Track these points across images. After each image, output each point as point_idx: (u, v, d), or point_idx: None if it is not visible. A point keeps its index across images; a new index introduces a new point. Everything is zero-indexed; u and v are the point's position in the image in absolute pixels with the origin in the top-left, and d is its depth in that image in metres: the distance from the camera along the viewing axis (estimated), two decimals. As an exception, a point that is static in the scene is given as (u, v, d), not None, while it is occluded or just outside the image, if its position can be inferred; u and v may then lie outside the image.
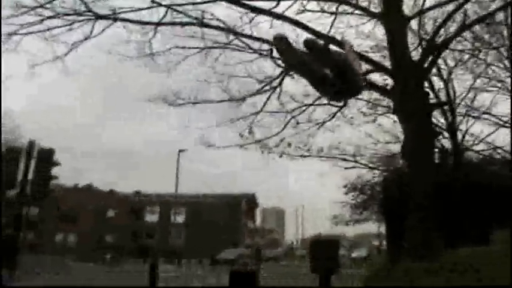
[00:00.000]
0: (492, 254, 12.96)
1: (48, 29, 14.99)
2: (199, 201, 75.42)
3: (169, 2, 15.83)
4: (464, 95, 28.25)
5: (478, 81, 26.85)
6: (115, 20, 15.65)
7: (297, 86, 19.32)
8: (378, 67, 17.27)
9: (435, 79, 28.03)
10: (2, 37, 14.91)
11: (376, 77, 18.56)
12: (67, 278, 26.31)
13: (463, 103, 28.57)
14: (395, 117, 18.29)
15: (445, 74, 27.58)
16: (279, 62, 18.41)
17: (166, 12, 15.87)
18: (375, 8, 17.35)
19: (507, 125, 26.44)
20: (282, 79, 19.07)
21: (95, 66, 41.95)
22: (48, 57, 15.46)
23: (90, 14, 15.22)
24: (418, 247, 14.97)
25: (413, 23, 19.02)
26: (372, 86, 18.11)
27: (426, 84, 27.56)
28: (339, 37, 18.61)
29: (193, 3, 16.02)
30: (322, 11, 17.82)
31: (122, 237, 63.40)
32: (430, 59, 17.42)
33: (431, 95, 27.47)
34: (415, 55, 17.87)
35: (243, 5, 16.33)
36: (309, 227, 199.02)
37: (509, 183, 23.41)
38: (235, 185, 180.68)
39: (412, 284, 10.93)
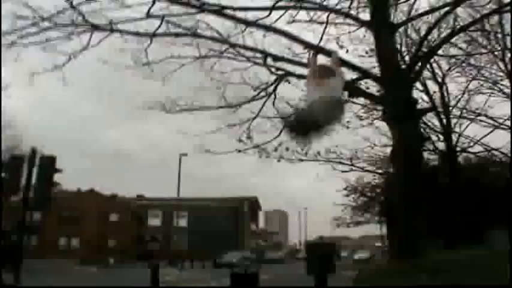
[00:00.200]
0: (476, 256, 13.30)
1: (47, 40, 15.43)
2: (202, 205, 75.31)
3: (166, 12, 16.16)
4: (459, 97, 28.52)
5: (475, 83, 27.17)
6: (111, 31, 16.09)
7: (292, 91, 19.64)
8: (366, 74, 17.59)
9: (429, 83, 28.49)
10: (3, 48, 15.31)
11: (367, 84, 18.81)
12: (71, 280, 26.71)
13: (459, 105, 28.87)
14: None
15: (439, 77, 27.95)
16: (273, 69, 18.92)
17: (161, 23, 16.25)
18: (364, 16, 17.67)
19: (503, 126, 26.72)
20: (277, 85, 19.40)
21: (94, 75, 42.26)
22: (48, 67, 15.85)
23: (87, 25, 15.66)
24: (402, 248, 15.43)
25: (402, 31, 19.50)
26: (361, 93, 18.46)
27: (421, 88, 28.12)
28: (330, 44, 19.22)
29: (188, 14, 16.37)
30: (312, 20, 18.18)
31: (124, 241, 63.51)
32: (418, 65, 17.85)
33: (426, 99, 28.06)
34: (404, 62, 18.25)
35: (233, 18, 16.63)
36: (312, 229, 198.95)
37: (505, 184, 23.76)
38: (237, 188, 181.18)
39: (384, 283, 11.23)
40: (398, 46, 19.99)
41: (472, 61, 24.59)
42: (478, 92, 27.55)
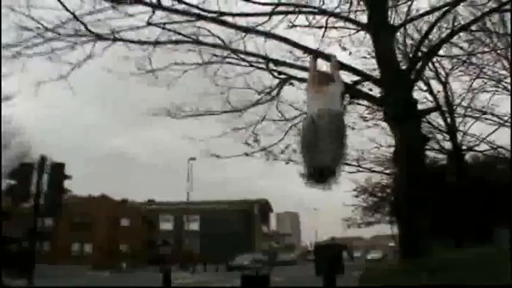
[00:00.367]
0: (482, 255, 13.37)
1: (52, 51, 15.73)
2: (213, 208, 75.65)
3: (167, 20, 16.44)
4: (463, 96, 28.56)
5: (479, 81, 27.19)
6: (114, 40, 16.37)
7: (296, 94, 19.82)
8: (366, 77, 17.78)
9: (433, 82, 28.58)
10: (9, 58, 15.68)
11: (368, 86, 18.95)
12: (83, 285, 27.06)
13: (463, 103, 28.92)
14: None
15: (443, 77, 28.03)
16: (275, 73, 19.13)
17: (162, 31, 16.52)
18: (363, 18, 17.80)
19: (508, 124, 26.73)
20: (280, 89, 19.63)
21: (99, 83, 42.70)
22: (53, 76, 16.13)
23: (90, 35, 15.92)
24: (406, 248, 15.60)
25: (402, 31, 19.66)
26: (363, 96, 18.63)
27: (425, 87, 28.22)
28: (332, 47, 19.43)
29: (188, 21, 16.60)
30: (311, 25, 18.37)
31: (136, 245, 63.84)
32: (418, 66, 18.02)
33: (430, 98, 28.16)
34: (406, 62, 18.41)
35: (231, 26, 16.84)
36: (324, 230, 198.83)
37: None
38: (246, 192, 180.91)
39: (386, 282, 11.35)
40: (399, 47, 20.10)
41: (474, 60, 24.63)
42: (483, 90, 27.55)
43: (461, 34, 19.81)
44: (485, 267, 10.77)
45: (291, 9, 17.61)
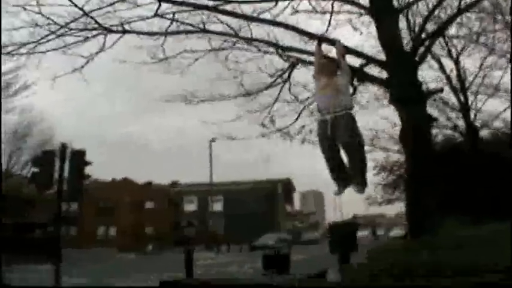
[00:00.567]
0: (497, 231, 13.42)
1: (64, 46, 16.31)
2: (236, 189, 76.13)
3: (174, 9, 16.76)
4: (475, 74, 28.45)
5: (490, 59, 27.06)
6: (124, 32, 16.80)
7: (308, 76, 20.05)
8: (371, 60, 17.99)
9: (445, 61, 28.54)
10: (25, 55, 16.34)
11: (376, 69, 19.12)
12: (108, 268, 27.78)
13: (476, 81, 28.84)
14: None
15: (454, 54, 27.97)
16: (285, 57, 19.46)
17: (171, 23, 16.90)
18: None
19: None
20: (291, 72, 19.96)
21: (113, 73, 43.47)
22: (68, 69, 16.77)
23: (100, 28, 16.38)
24: (412, 227, 15.94)
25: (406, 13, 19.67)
26: (368, 78, 18.85)
27: (437, 66, 28.23)
28: (342, 28, 19.67)
29: (195, 10, 16.93)
30: (315, 11, 18.62)
31: (161, 228, 64.52)
32: (423, 47, 18.19)
33: (443, 76, 28.18)
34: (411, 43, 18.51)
35: (235, 15, 17.10)
36: (348, 208, 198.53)
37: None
38: (270, 171, 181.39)
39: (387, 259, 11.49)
40: (404, 28, 20.12)
41: (483, 39, 24.47)
42: (496, 68, 27.43)
43: (470, 12, 19.67)
44: (497, 244, 10.80)
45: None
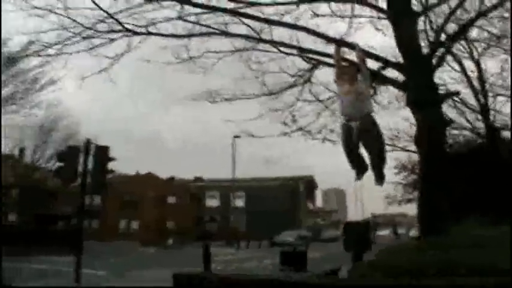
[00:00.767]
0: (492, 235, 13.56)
1: (91, 48, 16.85)
2: (258, 185, 76.08)
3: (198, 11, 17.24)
4: (496, 75, 28.25)
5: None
6: (148, 34, 17.26)
7: (329, 76, 20.26)
8: (388, 63, 18.14)
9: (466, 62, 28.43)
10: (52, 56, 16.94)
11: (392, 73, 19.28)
12: (129, 261, 28.33)
13: (497, 83, 28.64)
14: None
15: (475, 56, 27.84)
16: (306, 59, 19.77)
17: (194, 25, 17.37)
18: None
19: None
20: (312, 73, 20.27)
21: (139, 72, 44.14)
22: (95, 70, 17.28)
23: (125, 30, 16.86)
24: (423, 229, 16.14)
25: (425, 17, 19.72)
26: (387, 81, 19.00)
27: (457, 67, 28.20)
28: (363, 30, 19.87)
29: (215, 11, 17.35)
30: (334, 14, 18.77)
31: (184, 223, 64.82)
32: (443, 48, 18.31)
33: (464, 79, 28.09)
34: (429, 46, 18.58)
35: (254, 17, 17.51)
36: (370, 207, 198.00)
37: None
38: (292, 168, 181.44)
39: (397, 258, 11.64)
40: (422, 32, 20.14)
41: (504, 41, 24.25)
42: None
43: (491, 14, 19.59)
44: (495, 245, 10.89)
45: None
